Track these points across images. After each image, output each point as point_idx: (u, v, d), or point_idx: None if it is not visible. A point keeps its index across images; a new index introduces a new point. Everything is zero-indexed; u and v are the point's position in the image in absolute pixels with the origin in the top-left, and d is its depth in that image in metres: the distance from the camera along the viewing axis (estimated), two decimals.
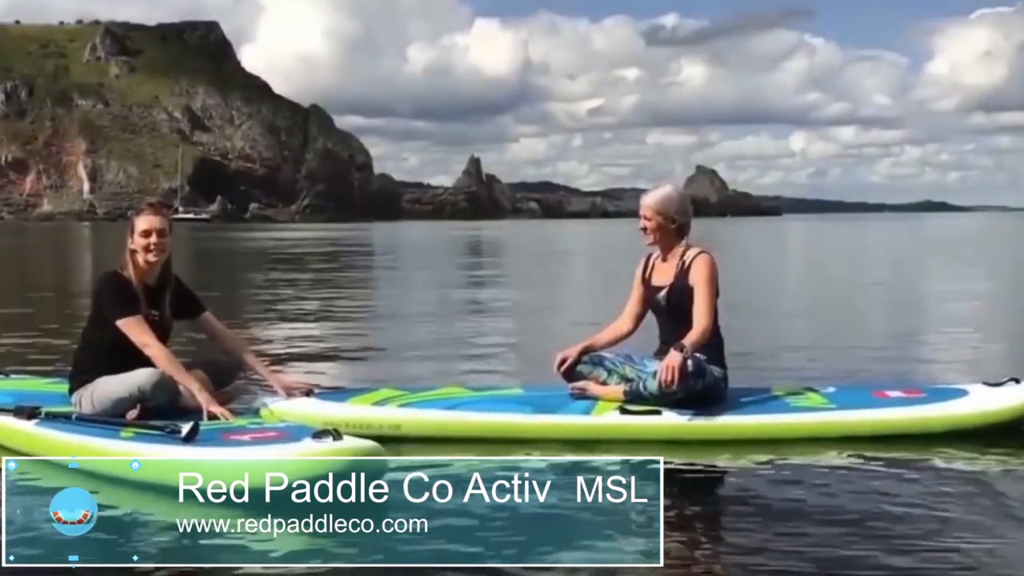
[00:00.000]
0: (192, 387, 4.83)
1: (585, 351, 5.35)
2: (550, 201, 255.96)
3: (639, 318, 5.48)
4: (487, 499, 4.04)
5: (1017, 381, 5.27)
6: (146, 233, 4.98)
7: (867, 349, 8.84)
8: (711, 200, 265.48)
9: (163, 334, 5.10)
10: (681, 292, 5.19)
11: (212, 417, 4.74)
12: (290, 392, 5.23)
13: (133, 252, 5.00)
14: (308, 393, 5.26)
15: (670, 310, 5.23)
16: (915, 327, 11.29)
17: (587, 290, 17.68)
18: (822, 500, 4.19)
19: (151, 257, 4.99)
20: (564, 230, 77.76)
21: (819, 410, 5.07)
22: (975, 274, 20.12)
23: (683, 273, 5.21)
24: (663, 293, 5.26)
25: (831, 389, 5.40)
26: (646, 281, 5.41)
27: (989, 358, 8.39)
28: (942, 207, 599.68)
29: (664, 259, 5.34)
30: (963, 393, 5.23)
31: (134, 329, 4.88)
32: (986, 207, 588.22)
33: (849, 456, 4.76)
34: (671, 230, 5.29)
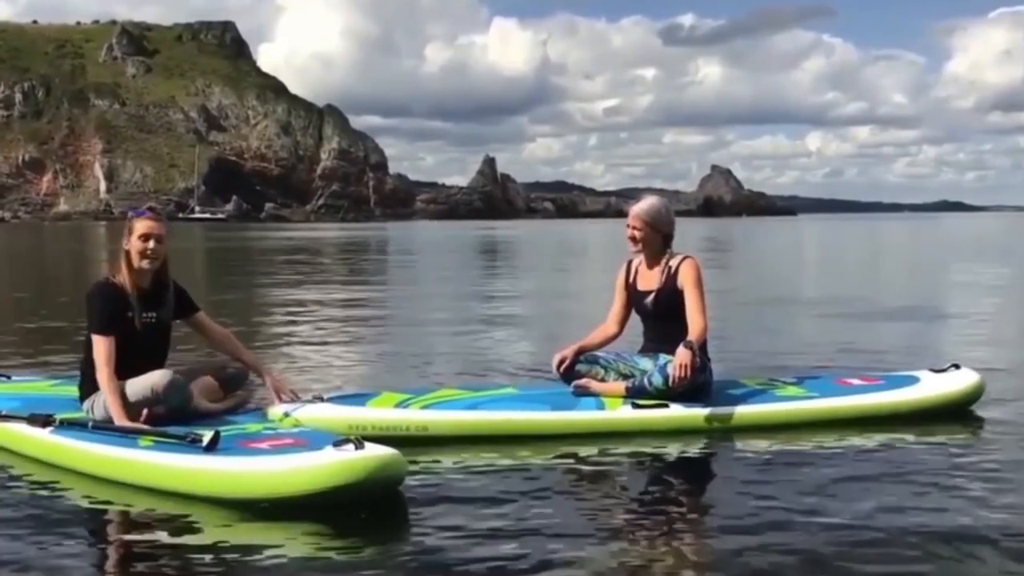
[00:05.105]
0: (126, 424, 4.56)
1: (579, 351, 5.60)
2: (564, 201, 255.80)
3: (624, 321, 5.80)
4: (501, 499, 4.12)
5: (958, 367, 5.83)
6: (144, 237, 4.89)
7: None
8: (726, 199, 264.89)
9: (161, 336, 5.02)
10: (670, 295, 5.50)
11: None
12: (281, 394, 5.16)
13: (127, 253, 4.91)
14: (295, 396, 5.22)
15: (657, 313, 5.56)
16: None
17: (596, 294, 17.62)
18: (826, 483, 4.37)
19: (146, 264, 4.90)
20: (578, 229, 77.79)
21: (802, 399, 5.46)
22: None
23: (671, 278, 5.52)
24: (651, 297, 5.57)
25: (794, 379, 5.83)
26: (630, 286, 5.71)
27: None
28: (958, 207, 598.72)
29: (650, 266, 5.64)
30: (915, 380, 5.74)
31: (100, 347, 4.75)
32: (1002, 207, 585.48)
33: (838, 439, 5.09)
34: (658, 239, 5.61)
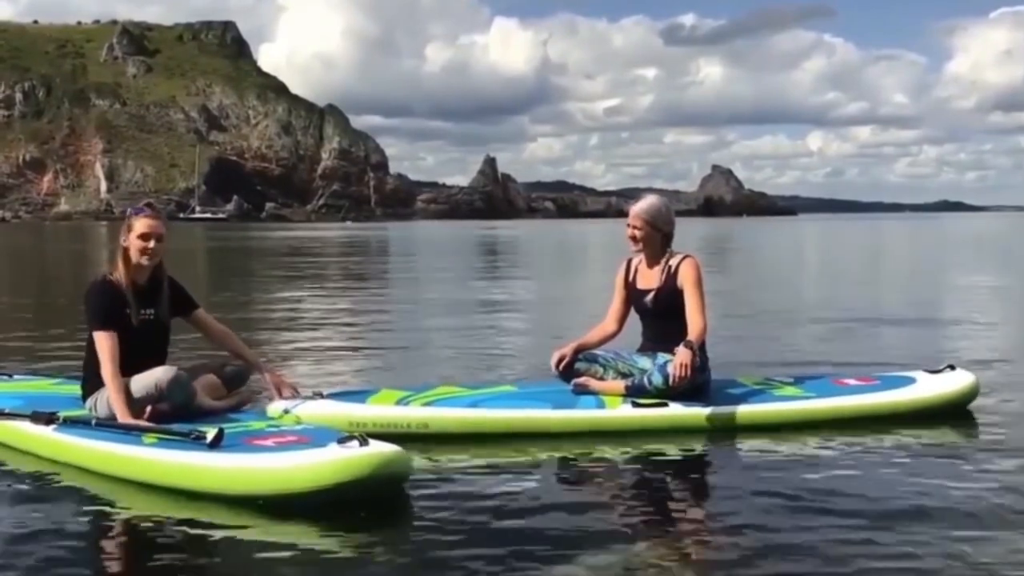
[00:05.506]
0: (128, 422, 4.57)
1: (578, 350, 5.61)
2: (565, 200, 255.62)
3: (623, 319, 5.81)
4: (501, 497, 4.14)
5: (953, 368, 5.89)
6: (145, 236, 4.88)
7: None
8: (727, 199, 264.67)
9: (161, 333, 5.03)
10: (669, 295, 5.52)
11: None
12: (281, 391, 5.18)
13: (126, 250, 4.90)
14: (295, 393, 5.22)
15: (657, 312, 5.57)
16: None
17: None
18: (822, 482, 4.41)
19: (145, 260, 4.89)
20: (578, 229, 77.78)
21: (800, 399, 5.52)
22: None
23: (671, 277, 5.55)
24: (650, 296, 5.59)
25: (791, 379, 5.85)
26: (629, 285, 5.73)
27: None
28: (958, 207, 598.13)
29: (650, 265, 5.67)
30: (911, 380, 5.79)
31: (102, 343, 4.74)
32: (1003, 207, 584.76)
33: (835, 439, 5.13)
34: (658, 238, 5.63)
